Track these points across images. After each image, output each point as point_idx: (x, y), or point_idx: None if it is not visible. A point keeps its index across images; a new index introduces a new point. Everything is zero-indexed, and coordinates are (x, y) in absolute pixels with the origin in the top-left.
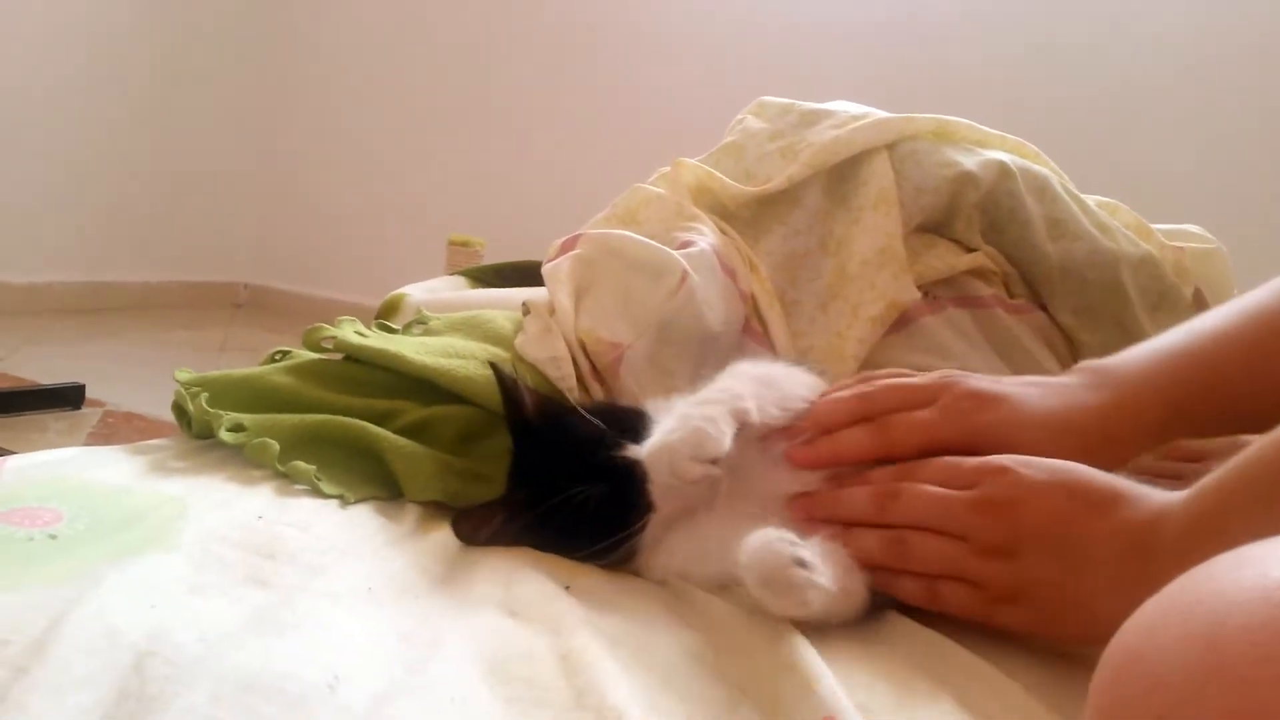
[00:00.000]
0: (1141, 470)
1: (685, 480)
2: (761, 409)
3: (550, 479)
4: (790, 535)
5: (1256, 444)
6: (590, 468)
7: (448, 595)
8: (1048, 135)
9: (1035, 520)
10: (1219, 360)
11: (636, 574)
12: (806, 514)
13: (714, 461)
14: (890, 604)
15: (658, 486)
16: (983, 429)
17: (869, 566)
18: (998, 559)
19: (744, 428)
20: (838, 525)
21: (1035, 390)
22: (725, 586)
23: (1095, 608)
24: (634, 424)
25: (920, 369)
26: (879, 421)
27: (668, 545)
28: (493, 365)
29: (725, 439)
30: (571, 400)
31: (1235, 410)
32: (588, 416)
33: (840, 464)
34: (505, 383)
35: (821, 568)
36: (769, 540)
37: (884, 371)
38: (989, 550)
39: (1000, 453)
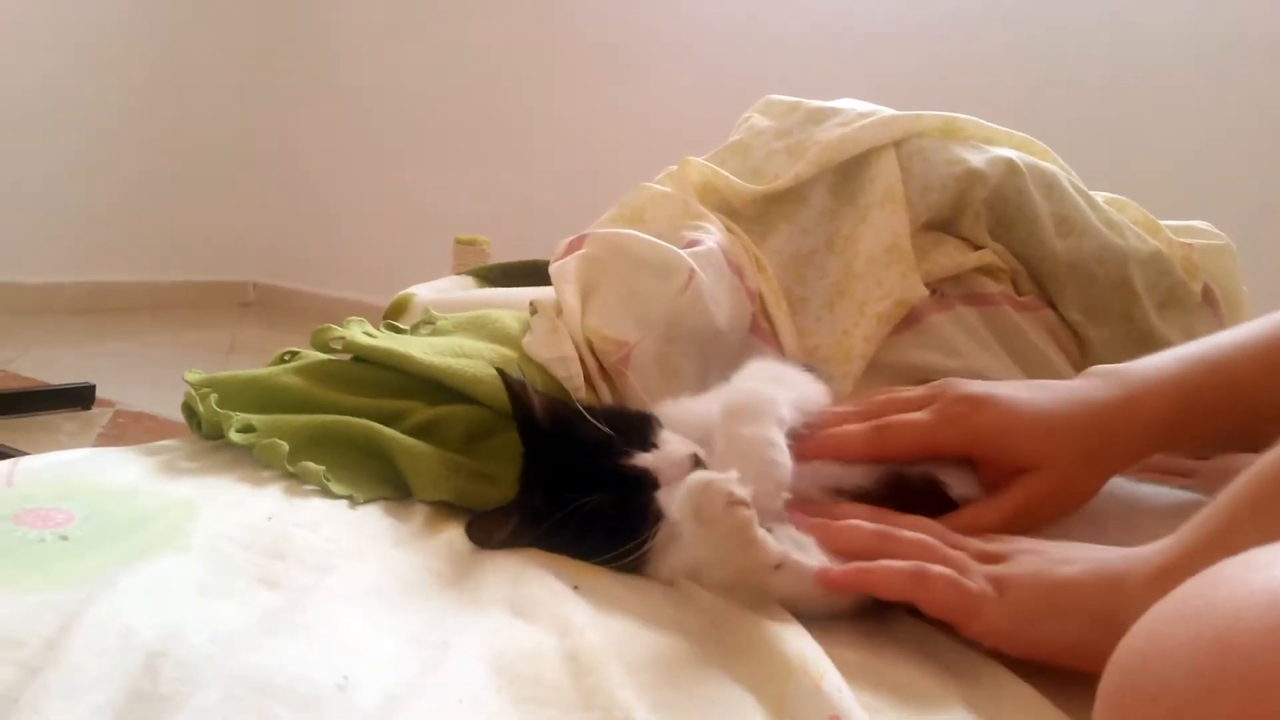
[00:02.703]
0: (1152, 468)
1: (770, 511)
2: (791, 415)
3: (561, 486)
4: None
5: (1239, 478)
6: (600, 476)
7: (457, 595)
8: (1055, 132)
9: (1026, 544)
10: (1236, 369)
11: (645, 576)
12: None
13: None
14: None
15: (665, 496)
16: (978, 430)
17: (856, 553)
18: (985, 560)
19: None
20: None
21: (1038, 394)
22: (732, 587)
23: (1078, 605)
24: (641, 429)
25: (928, 367)
26: (877, 422)
27: (676, 548)
28: (499, 370)
29: (789, 463)
30: (578, 403)
31: (1248, 421)
32: (595, 423)
33: (839, 456)
34: (513, 387)
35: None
36: (694, 476)
37: (879, 390)
38: (978, 555)
39: (996, 451)
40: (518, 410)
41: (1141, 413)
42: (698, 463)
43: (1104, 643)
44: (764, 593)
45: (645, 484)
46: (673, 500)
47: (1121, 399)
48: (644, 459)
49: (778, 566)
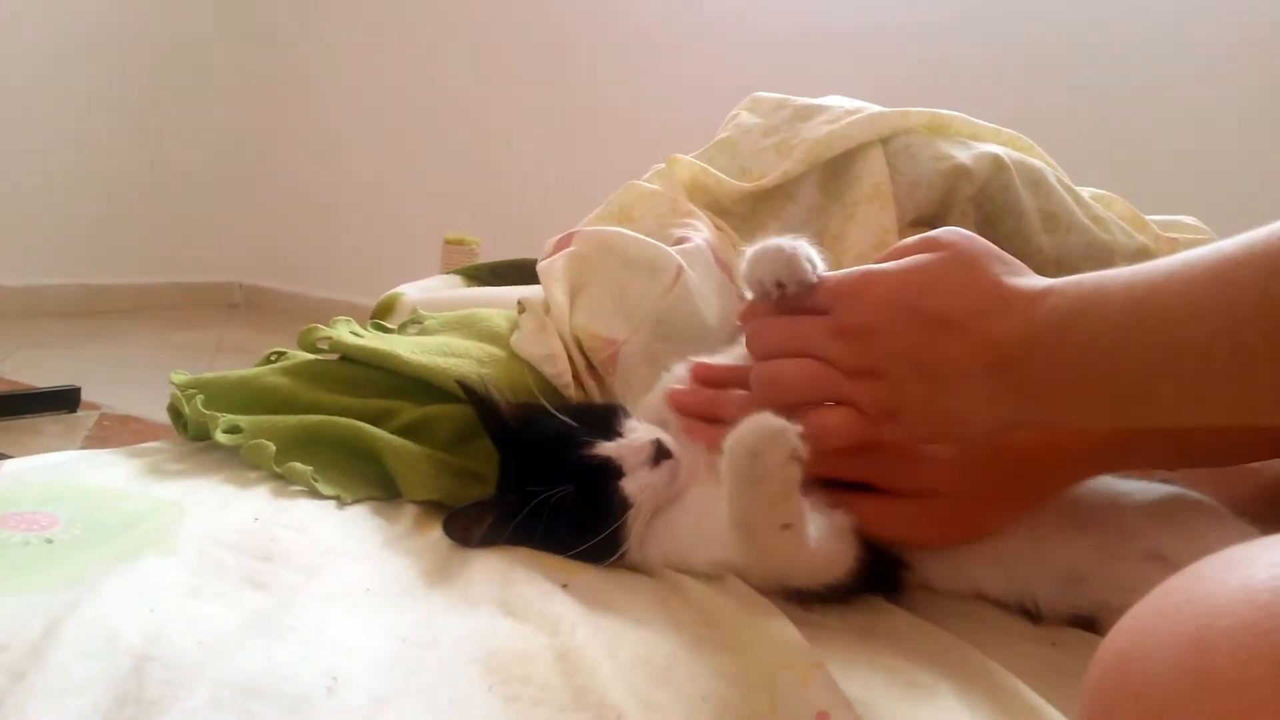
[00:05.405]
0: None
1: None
2: None
3: (530, 481)
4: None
5: None
6: (565, 468)
7: (446, 595)
8: (1042, 128)
9: (892, 346)
10: (1125, 291)
11: (631, 568)
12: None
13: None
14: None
15: (630, 483)
16: (879, 456)
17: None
18: (866, 379)
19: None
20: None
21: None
22: (717, 575)
23: (970, 418)
24: (607, 420)
25: None
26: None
27: (654, 536)
28: (458, 381)
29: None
30: (544, 401)
31: (1179, 447)
32: (559, 415)
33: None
34: (476, 395)
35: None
36: (760, 421)
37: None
38: (855, 372)
39: (892, 478)
40: (482, 414)
41: (1065, 447)
42: (661, 448)
43: (1010, 407)
44: (755, 562)
45: (610, 473)
46: (726, 441)
47: (1042, 435)
48: (606, 448)
49: (786, 526)
